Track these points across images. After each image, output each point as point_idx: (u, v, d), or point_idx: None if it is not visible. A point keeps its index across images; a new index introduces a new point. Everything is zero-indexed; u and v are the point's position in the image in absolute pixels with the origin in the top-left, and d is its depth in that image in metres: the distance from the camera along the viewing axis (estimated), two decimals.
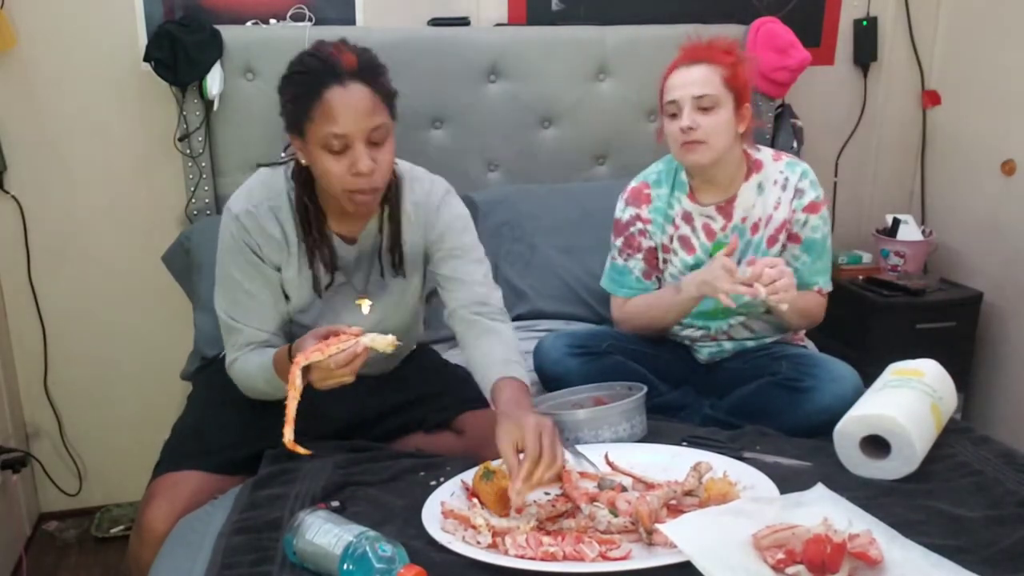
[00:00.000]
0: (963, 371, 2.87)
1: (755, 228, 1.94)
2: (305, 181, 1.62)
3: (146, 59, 2.33)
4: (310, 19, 2.50)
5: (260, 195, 1.64)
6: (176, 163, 2.46)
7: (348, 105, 1.48)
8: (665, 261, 2.02)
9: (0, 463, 2.35)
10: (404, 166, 1.73)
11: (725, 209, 1.94)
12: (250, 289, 1.63)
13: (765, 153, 1.97)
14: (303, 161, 1.57)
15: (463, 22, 2.62)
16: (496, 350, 1.65)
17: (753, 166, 1.95)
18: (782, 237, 1.94)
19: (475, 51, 2.56)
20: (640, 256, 2.02)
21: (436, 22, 2.60)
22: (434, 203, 1.73)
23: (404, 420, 1.79)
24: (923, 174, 3.17)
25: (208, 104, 2.38)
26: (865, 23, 2.97)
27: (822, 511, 1.27)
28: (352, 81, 1.49)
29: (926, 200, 3.17)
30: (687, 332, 2.04)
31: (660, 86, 1.92)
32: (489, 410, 1.70)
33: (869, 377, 1.78)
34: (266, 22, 2.48)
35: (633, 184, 2.05)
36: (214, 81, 2.33)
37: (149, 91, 2.45)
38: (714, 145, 1.85)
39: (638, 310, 2.02)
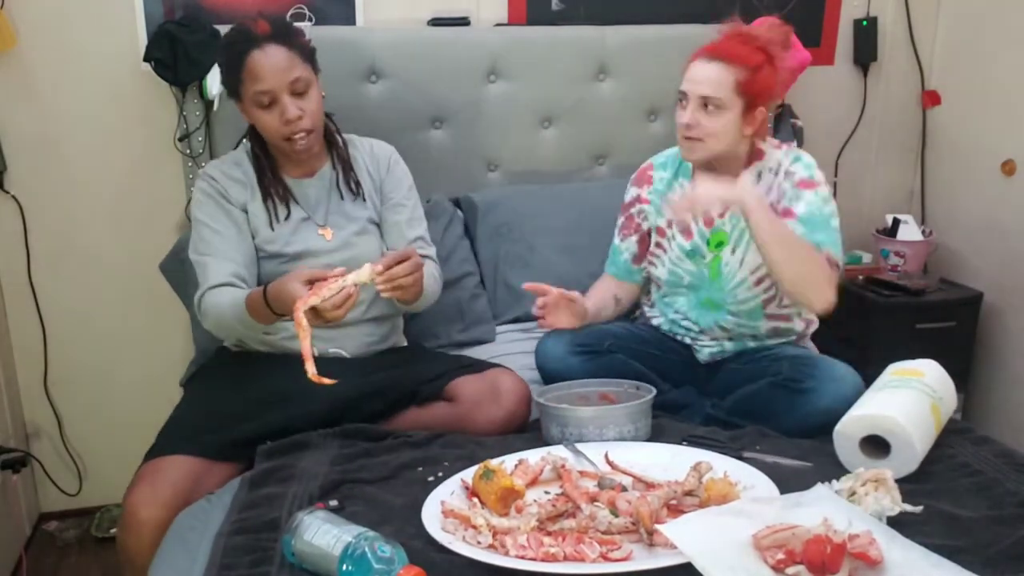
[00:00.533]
0: (963, 371, 2.87)
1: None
2: (256, 136, 1.90)
3: (146, 59, 2.33)
4: (310, 19, 2.50)
5: (222, 158, 1.97)
6: (176, 163, 2.46)
7: (267, 64, 1.76)
8: (659, 245, 2.04)
9: (0, 463, 2.35)
10: (353, 136, 2.04)
11: None
12: (216, 228, 1.85)
13: (770, 143, 1.97)
14: (246, 121, 1.86)
15: (463, 22, 2.62)
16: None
17: (756, 154, 1.94)
18: None
19: (475, 51, 2.56)
20: (635, 238, 2.07)
21: (436, 22, 2.60)
22: (384, 157, 2.03)
23: (396, 396, 1.81)
24: (923, 174, 3.16)
25: (208, 104, 2.38)
26: (865, 23, 2.97)
27: (822, 511, 1.26)
28: (268, 43, 1.77)
29: (926, 200, 3.17)
30: (682, 327, 2.04)
31: (684, 66, 1.90)
32: (480, 375, 1.82)
33: (869, 377, 1.78)
34: None
35: (642, 167, 2.10)
36: (214, 81, 2.33)
37: (149, 91, 2.45)
38: (710, 145, 1.85)
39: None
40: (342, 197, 1.96)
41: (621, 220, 2.11)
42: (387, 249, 1.98)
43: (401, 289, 1.63)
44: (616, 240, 2.12)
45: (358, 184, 1.97)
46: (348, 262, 1.83)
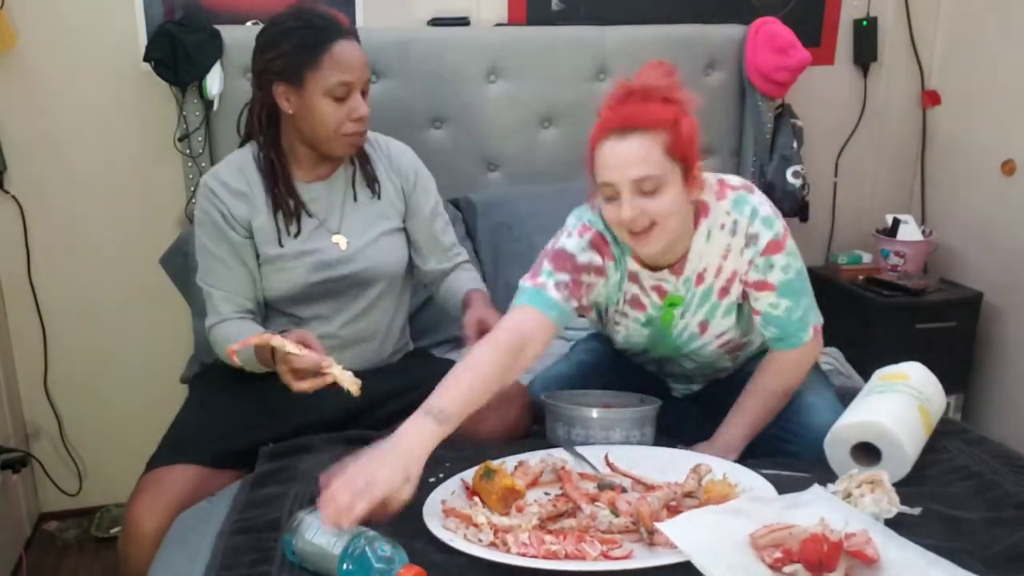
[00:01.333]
0: (963, 371, 2.87)
1: (699, 279, 1.67)
2: (272, 139, 1.79)
3: (146, 59, 2.33)
4: None
5: (225, 162, 1.83)
6: (176, 163, 2.46)
7: (355, 57, 1.71)
8: (616, 323, 1.79)
9: (0, 463, 2.35)
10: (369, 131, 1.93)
11: (677, 268, 1.66)
12: (219, 255, 1.77)
13: (709, 191, 1.63)
14: (288, 110, 1.72)
15: (463, 22, 2.62)
16: (462, 277, 1.94)
17: (700, 210, 1.63)
18: (734, 289, 1.67)
19: (475, 51, 2.56)
20: (576, 303, 1.64)
21: (436, 22, 2.60)
22: (408, 163, 1.93)
23: (401, 405, 1.79)
24: (923, 174, 3.16)
25: (208, 104, 2.38)
26: (865, 23, 2.97)
27: (819, 511, 1.26)
28: (351, 38, 1.72)
29: (926, 200, 3.17)
30: (649, 372, 1.94)
31: (589, 149, 1.57)
32: None
33: (868, 378, 1.78)
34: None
35: (595, 229, 1.67)
36: (214, 81, 2.33)
37: (149, 91, 2.45)
38: (666, 227, 1.53)
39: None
40: (355, 199, 1.84)
41: (564, 278, 1.61)
42: (421, 259, 1.94)
43: None
44: (553, 295, 1.59)
45: (376, 182, 1.86)
46: (364, 273, 1.83)
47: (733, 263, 1.65)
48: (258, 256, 1.79)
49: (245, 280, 1.78)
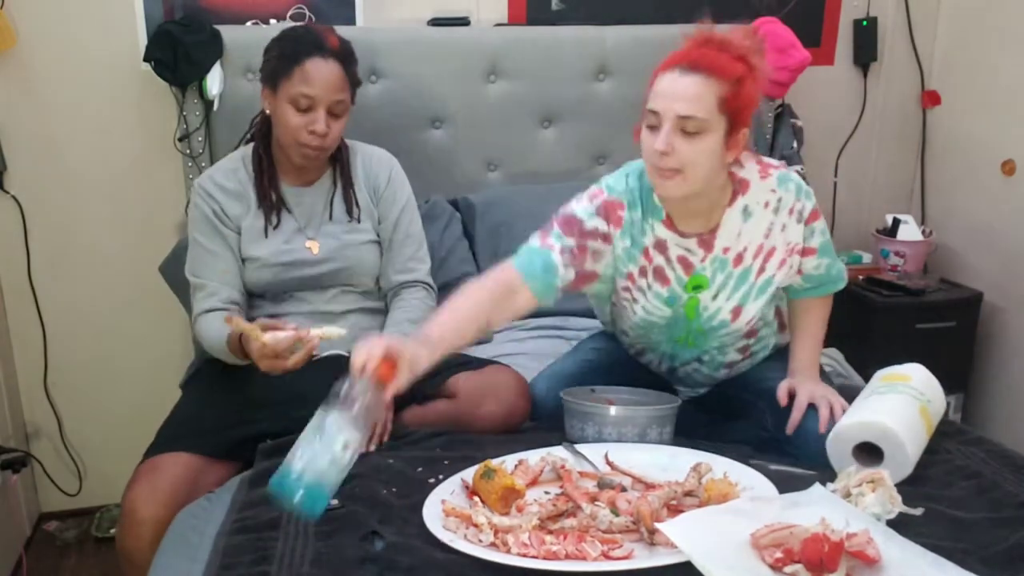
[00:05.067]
0: (963, 371, 2.87)
1: (738, 259, 1.68)
2: (264, 134, 1.91)
3: (146, 59, 2.33)
4: (310, 19, 2.50)
5: (220, 165, 1.95)
6: (176, 163, 2.46)
7: (323, 74, 1.80)
8: (627, 290, 1.74)
9: (0, 463, 2.35)
10: (356, 143, 2.03)
11: (706, 239, 1.67)
12: (211, 248, 1.87)
13: (750, 169, 1.66)
14: (267, 111, 1.86)
15: (463, 22, 2.62)
16: (394, 315, 1.93)
17: (739, 187, 1.65)
18: (771, 266, 1.70)
19: (475, 51, 2.56)
20: (575, 270, 1.68)
21: (436, 22, 2.60)
22: (384, 171, 1.99)
23: (396, 395, 1.80)
24: (923, 174, 3.16)
25: (208, 104, 2.38)
26: (865, 23, 2.97)
27: (820, 511, 1.26)
28: (331, 58, 1.81)
29: (926, 200, 3.17)
30: (658, 368, 1.93)
31: (651, 77, 1.58)
32: (478, 371, 1.82)
33: (869, 378, 1.78)
34: (266, 22, 2.47)
35: (606, 196, 1.70)
36: (214, 81, 2.33)
37: (149, 91, 2.45)
38: (691, 177, 1.54)
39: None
40: (331, 217, 1.93)
41: (571, 242, 1.66)
42: (381, 268, 1.98)
43: None
44: (555, 258, 1.66)
45: (356, 205, 1.95)
46: (338, 273, 1.92)
47: (775, 240, 1.68)
48: (243, 258, 1.89)
49: (234, 272, 1.88)
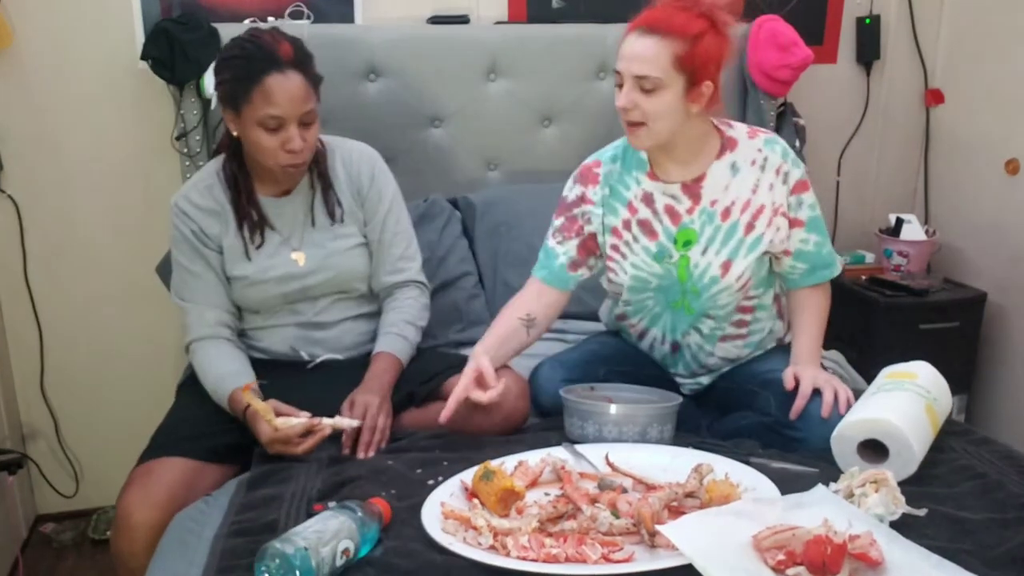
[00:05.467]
0: (967, 371, 2.86)
1: (726, 213, 1.76)
2: (234, 151, 1.83)
3: (143, 57, 2.31)
4: (308, 17, 2.49)
5: (194, 181, 1.87)
6: (173, 162, 2.45)
7: (286, 91, 1.69)
8: (615, 248, 1.83)
9: None
10: (334, 139, 1.94)
11: (692, 189, 1.75)
12: (194, 270, 1.83)
13: (739, 129, 1.78)
14: (234, 133, 1.77)
15: (463, 20, 2.61)
16: (388, 317, 1.90)
17: (727, 143, 1.75)
18: (760, 224, 1.76)
19: (475, 49, 2.55)
20: (576, 241, 1.85)
21: (436, 20, 2.59)
22: (367, 168, 1.92)
23: (394, 399, 1.79)
24: (926, 173, 3.15)
25: (206, 103, 2.37)
26: (868, 21, 2.95)
27: (822, 512, 1.25)
28: (289, 68, 1.70)
29: (929, 199, 3.15)
30: (657, 349, 1.95)
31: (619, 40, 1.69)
32: None
33: (872, 379, 1.77)
34: (264, 20, 2.46)
35: (587, 161, 1.87)
36: (211, 80, 2.31)
37: (146, 90, 2.44)
38: (655, 129, 1.65)
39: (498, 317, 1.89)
40: (313, 224, 1.87)
41: (560, 221, 1.87)
42: (372, 269, 1.94)
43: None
44: (551, 242, 1.88)
45: (338, 205, 1.89)
46: (328, 283, 1.88)
47: (763, 198, 1.75)
48: (238, 283, 1.85)
49: (220, 292, 1.85)
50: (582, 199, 1.84)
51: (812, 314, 1.84)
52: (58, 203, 2.51)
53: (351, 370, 1.81)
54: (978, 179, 2.93)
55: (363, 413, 1.66)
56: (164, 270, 2.33)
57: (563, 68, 2.61)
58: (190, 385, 1.98)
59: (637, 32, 1.63)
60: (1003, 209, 2.83)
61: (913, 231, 2.89)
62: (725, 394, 1.91)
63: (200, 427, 1.73)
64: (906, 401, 1.58)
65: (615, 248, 1.82)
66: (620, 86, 1.67)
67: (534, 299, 1.88)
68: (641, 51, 1.61)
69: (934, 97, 3.06)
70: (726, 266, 1.76)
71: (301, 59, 1.73)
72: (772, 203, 1.76)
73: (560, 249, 1.86)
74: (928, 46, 3.03)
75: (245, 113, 1.71)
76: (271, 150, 1.72)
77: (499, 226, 2.46)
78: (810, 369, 1.74)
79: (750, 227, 1.76)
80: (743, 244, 1.76)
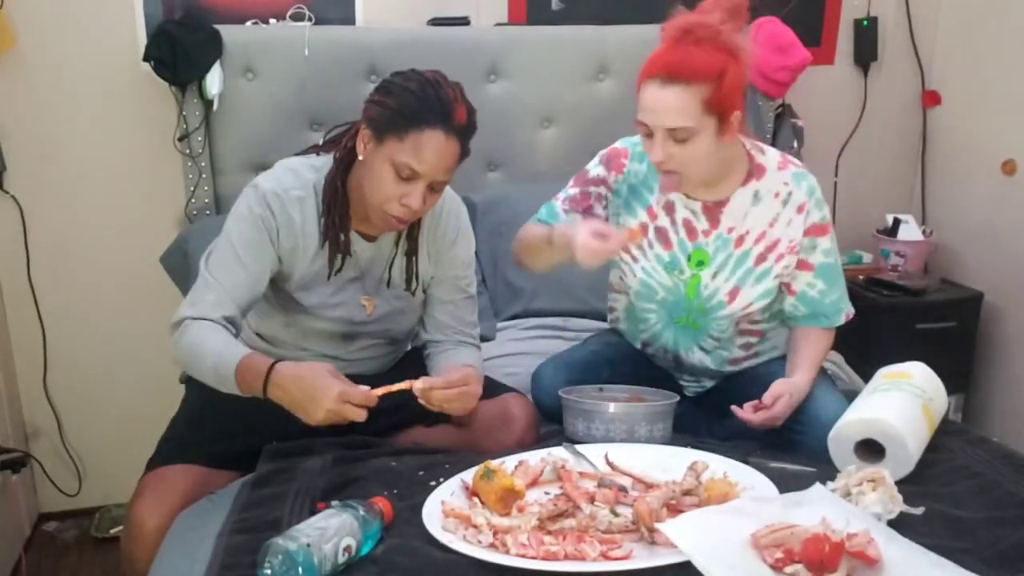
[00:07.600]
0: (963, 371, 2.87)
1: (740, 241, 1.74)
2: (346, 167, 1.68)
3: (146, 59, 2.32)
4: (310, 19, 2.49)
5: (289, 182, 1.68)
6: (176, 163, 2.46)
7: (439, 152, 1.57)
8: (635, 259, 1.82)
9: None
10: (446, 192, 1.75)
11: (712, 212, 1.74)
12: (244, 260, 1.65)
13: (770, 156, 1.75)
14: (360, 156, 1.63)
15: (463, 22, 2.62)
16: (460, 358, 1.77)
17: (755, 170, 1.72)
18: (772, 257, 1.74)
19: (475, 51, 2.55)
20: (576, 216, 1.78)
21: (436, 22, 2.60)
22: (451, 234, 1.80)
23: (403, 415, 1.78)
24: (923, 174, 3.16)
25: (208, 104, 2.38)
26: (865, 23, 2.96)
27: (821, 511, 1.26)
28: (453, 134, 1.58)
29: (926, 200, 3.16)
30: (662, 363, 1.94)
31: (638, 81, 1.63)
32: (492, 400, 1.76)
33: (869, 378, 1.78)
34: (266, 22, 2.47)
35: (617, 145, 1.83)
36: (214, 81, 2.33)
37: (149, 91, 2.45)
38: (691, 174, 1.63)
39: (522, 235, 1.83)
40: (389, 285, 1.77)
41: (575, 192, 1.82)
42: (426, 321, 1.86)
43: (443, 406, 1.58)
44: (558, 205, 1.83)
45: (415, 279, 1.78)
46: (378, 333, 1.81)
47: (779, 232, 1.73)
48: (292, 301, 1.74)
49: (250, 288, 1.68)
50: (603, 182, 1.81)
51: (807, 355, 1.77)
52: (61, 203, 2.51)
53: (364, 384, 1.77)
54: (975, 180, 2.94)
55: (459, 380, 1.58)
56: (169, 260, 2.34)
57: (563, 70, 2.62)
58: (197, 385, 1.97)
59: (659, 82, 1.56)
60: (999, 210, 2.84)
61: (910, 231, 2.90)
62: (726, 396, 1.90)
63: (210, 433, 1.71)
64: (902, 401, 1.59)
65: (627, 250, 1.81)
66: (647, 136, 1.62)
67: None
68: (671, 103, 1.55)
69: (931, 98, 3.07)
70: (733, 294, 1.76)
71: (468, 131, 1.64)
72: (788, 239, 1.73)
73: (563, 217, 1.81)
74: (925, 48, 3.05)
75: (387, 146, 1.57)
76: (389, 195, 1.59)
77: (500, 226, 2.46)
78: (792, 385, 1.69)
79: (761, 258, 1.74)
80: (751, 274, 1.75)
